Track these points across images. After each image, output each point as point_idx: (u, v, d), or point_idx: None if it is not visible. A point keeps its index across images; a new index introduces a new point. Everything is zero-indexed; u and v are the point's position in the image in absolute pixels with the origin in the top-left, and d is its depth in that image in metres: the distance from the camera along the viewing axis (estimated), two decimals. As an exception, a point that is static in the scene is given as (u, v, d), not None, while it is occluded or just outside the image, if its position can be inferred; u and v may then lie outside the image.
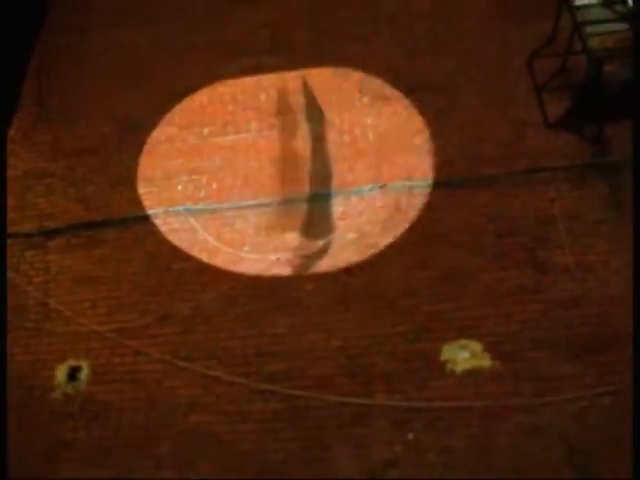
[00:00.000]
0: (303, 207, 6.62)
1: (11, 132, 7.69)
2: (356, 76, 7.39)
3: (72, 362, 6.20)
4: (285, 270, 6.30)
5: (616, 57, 6.55)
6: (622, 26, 7.10)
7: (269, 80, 7.54)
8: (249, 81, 7.58)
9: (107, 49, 8.21)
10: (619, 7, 7.39)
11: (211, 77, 7.66)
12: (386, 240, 6.31)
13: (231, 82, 7.60)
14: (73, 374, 6.14)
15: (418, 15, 7.78)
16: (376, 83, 7.31)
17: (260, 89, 7.51)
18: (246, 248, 6.48)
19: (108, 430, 5.87)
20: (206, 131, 7.29)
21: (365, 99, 7.23)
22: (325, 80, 7.45)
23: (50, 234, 6.90)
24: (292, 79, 7.50)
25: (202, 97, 7.58)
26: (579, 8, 7.06)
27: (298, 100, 7.37)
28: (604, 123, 6.56)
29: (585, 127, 6.67)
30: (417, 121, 6.98)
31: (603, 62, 6.38)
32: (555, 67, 7.04)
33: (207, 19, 8.26)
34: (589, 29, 6.64)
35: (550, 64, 7.07)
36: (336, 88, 7.37)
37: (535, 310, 5.80)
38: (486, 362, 5.65)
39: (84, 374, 6.13)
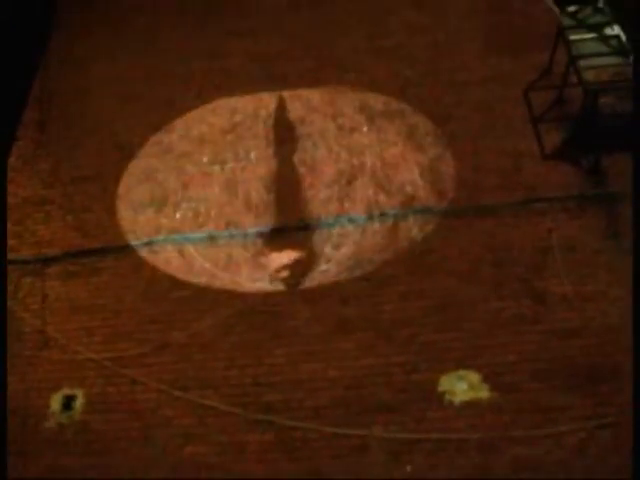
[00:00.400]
0: (300, 234, 6.62)
1: (11, 159, 7.74)
2: (355, 102, 7.49)
3: (67, 391, 6.15)
4: (281, 297, 6.29)
5: (611, 90, 6.65)
6: (617, 59, 7.23)
7: (268, 109, 7.63)
8: (248, 108, 7.68)
9: (107, 79, 8.32)
10: (613, 41, 7.53)
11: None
12: (383, 269, 6.31)
13: (230, 109, 7.70)
14: (68, 403, 6.08)
15: (416, 46, 7.92)
16: (375, 110, 7.40)
17: (259, 118, 7.59)
18: (244, 275, 6.46)
19: (102, 460, 5.79)
20: (205, 159, 7.35)
21: (364, 127, 7.30)
22: (323, 105, 7.54)
23: (48, 261, 6.89)
24: (290, 108, 7.59)
25: (201, 125, 7.66)
26: (574, 41, 7.20)
27: (295, 127, 7.43)
28: (601, 154, 6.62)
29: (582, 158, 6.72)
30: (415, 150, 7.04)
31: (598, 94, 6.47)
32: (551, 99, 7.14)
33: (204, 49, 8.41)
34: (584, 62, 6.74)
35: (546, 96, 7.19)
36: (334, 114, 7.46)
37: (533, 340, 5.77)
38: (484, 393, 5.61)
39: (79, 403, 6.07)
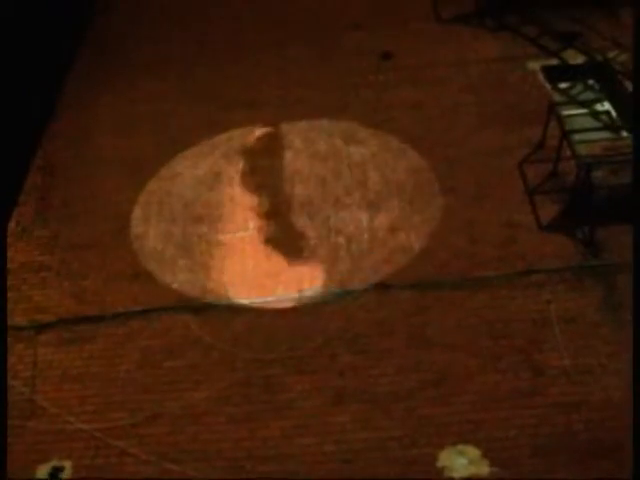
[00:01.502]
0: (298, 306, 6.60)
1: (11, 225, 7.78)
2: (353, 183, 7.64)
3: (55, 462, 5.96)
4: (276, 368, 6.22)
5: (604, 163, 6.78)
6: (608, 134, 7.43)
7: (269, 181, 7.80)
8: (249, 182, 7.83)
9: (111, 151, 8.50)
10: (604, 117, 7.77)
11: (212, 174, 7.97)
12: (379, 341, 6.26)
13: (231, 182, 7.86)
14: (55, 475, 5.89)
15: (412, 121, 8.16)
16: (371, 187, 7.53)
17: (258, 189, 7.74)
18: (241, 346, 6.41)
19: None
20: (205, 228, 7.42)
21: (362, 203, 7.41)
22: (322, 181, 7.69)
23: (41, 328, 6.82)
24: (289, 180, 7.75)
25: (202, 196, 7.78)
26: (566, 117, 7.41)
27: (294, 203, 7.55)
28: (595, 226, 6.68)
29: (577, 230, 6.80)
30: (412, 222, 7.12)
31: (591, 168, 6.59)
32: (546, 172, 7.28)
33: (205, 121, 8.64)
34: (577, 137, 6.91)
35: (541, 169, 7.34)
36: (330, 193, 7.58)
37: (533, 415, 5.68)
38: (485, 469, 5.47)
39: (67, 475, 5.88)
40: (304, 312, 6.55)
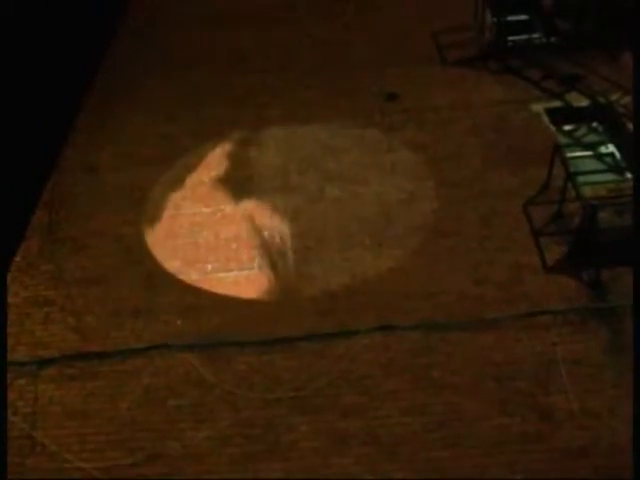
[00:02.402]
0: (302, 345, 6.55)
1: (16, 259, 7.79)
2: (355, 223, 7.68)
3: (52, 502, 5.86)
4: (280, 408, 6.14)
5: (609, 205, 6.81)
6: (613, 176, 7.47)
7: (273, 219, 7.86)
8: (255, 220, 7.88)
9: (117, 186, 8.57)
10: (608, 159, 7.82)
11: (217, 214, 8.03)
12: (384, 382, 6.19)
13: (235, 220, 7.93)
14: (51, 514, 5.78)
15: (417, 162, 8.23)
16: (376, 227, 7.57)
17: (264, 228, 7.79)
18: (244, 386, 6.34)
19: None
20: (209, 267, 7.43)
21: (367, 241, 7.43)
22: (325, 221, 7.74)
23: (43, 363, 6.77)
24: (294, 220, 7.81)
25: (207, 234, 7.82)
26: (571, 159, 7.47)
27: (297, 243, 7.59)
28: (601, 268, 6.67)
29: (583, 272, 6.78)
30: (416, 262, 7.13)
31: (597, 210, 6.61)
32: (551, 213, 7.31)
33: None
34: (581, 179, 6.95)
35: (546, 210, 7.36)
36: (336, 229, 7.62)
37: (540, 459, 5.58)
38: (492, 515, 5.35)
39: (64, 515, 5.78)
40: (308, 352, 6.49)
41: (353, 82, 9.72)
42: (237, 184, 8.40)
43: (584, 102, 8.75)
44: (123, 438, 6.15)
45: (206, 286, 7.24)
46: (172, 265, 7.51)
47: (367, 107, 9.20)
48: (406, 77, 9.63)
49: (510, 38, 9.90)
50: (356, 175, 8.23)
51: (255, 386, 6.31)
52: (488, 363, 6.18)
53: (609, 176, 7.50)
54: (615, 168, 7.73)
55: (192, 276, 7.36)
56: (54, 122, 9.28)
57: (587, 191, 6.81)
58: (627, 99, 8.59)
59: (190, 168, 8.71)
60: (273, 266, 7.32)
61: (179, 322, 6.92)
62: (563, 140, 8.25)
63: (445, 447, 5.72)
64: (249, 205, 8.09)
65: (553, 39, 9.84)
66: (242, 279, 7.26)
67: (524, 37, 10.00)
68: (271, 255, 7.43)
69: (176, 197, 8.33)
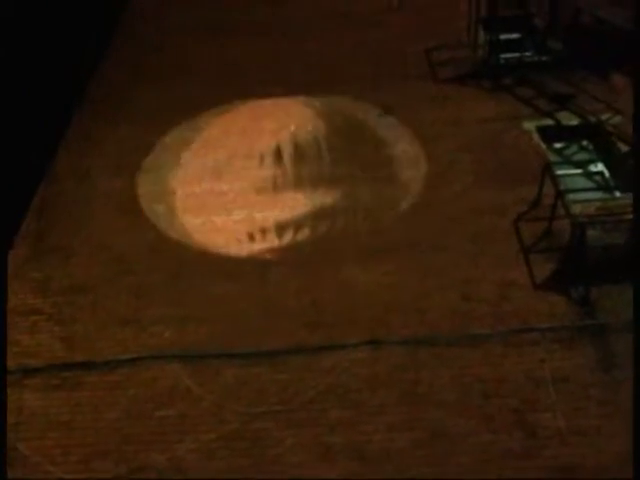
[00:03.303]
0: (289, 359, 6.52)
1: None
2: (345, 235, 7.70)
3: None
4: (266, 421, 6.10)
5: (598, 223, 6.84)
6: (602, 194, 7.53)
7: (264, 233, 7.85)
8: (240, 228, 7.90)
9: (107, 194, 8.58)
10: (597, 177, 7.89)
11: (208, 224, 8.02)
12: (371, 397, 6.15)
13: (227, 229, 7.93)
14: (32, 526, 5.70)
15: (408, 177, 8.28)
16: (365, 241, 7.57)
17: (254, 240, 7.80)
18: (230, 398, 6.30)
19: None
20: (199, 279, 7.39)
21: (354, 254, 7.42)
22: (316, 234, 7.74)
23: (29, 373, 6.70)
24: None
25: (195, 245, 7.81)
26: (561, 176, 7.52)
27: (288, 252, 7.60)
28: (590, 285, 6.69)
29: (572, 289, 6.80)
30: (406, 278, 7.12)
31: (586, 227, 6.64)
32: (540, 230, 7.33)
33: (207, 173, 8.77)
34: (571, 196, 6.99)
35: (536, 227, 7.39)
36: (326, 242, 7.63)
37: (527, 477, 5.54)
38: (476, 532, 5.32)
39: (44, 527, 5.70)
40: (295, 365, 6.46)
41: (347, 97, 9.79)
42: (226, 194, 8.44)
43: (575, 121, 8.82)
44: (107, 450, 6.08)
45: (194, 297, 7.21)
46: (158, 277, 7.46)
47: (360, 120, 9.27)
48: (399, 93, 9.71)
49: (502, 56, 10.00)
50: (347, 189, 8.26)
51: (242, 399, 6.27)
52: (475, 379, 6.16)
53: (598, 194, 7.57)
54: (604, 186, 7.81)
55: (180, 287, 7.31)
56: (45, 128, 9.26)
57: (576, 209, 6.85)
58: (617, 119, 8.67)
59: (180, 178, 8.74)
60: (261, 278, 7.31)
61: (167, 333, 6.89)
62: (553, 158, 8.32)
63: (431, 463, 5.67)
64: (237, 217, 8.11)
65: (545, 58, 9.95)
66: (231, 291, 7.21)
67: (516, 55, 10.11)
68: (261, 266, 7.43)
69: (166, 207, 8.32)
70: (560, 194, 6.97)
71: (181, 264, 7.58)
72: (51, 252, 7.90)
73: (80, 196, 8.60)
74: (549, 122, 8.86)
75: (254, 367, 6.48)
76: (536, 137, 8.62)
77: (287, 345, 6.61)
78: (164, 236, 7.96)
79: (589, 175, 7.99)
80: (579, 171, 8.07)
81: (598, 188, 7.77)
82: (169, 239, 7.93)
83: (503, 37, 10.14)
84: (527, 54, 10.15)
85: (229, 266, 7.51)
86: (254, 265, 7.50)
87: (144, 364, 6.60)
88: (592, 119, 8.75)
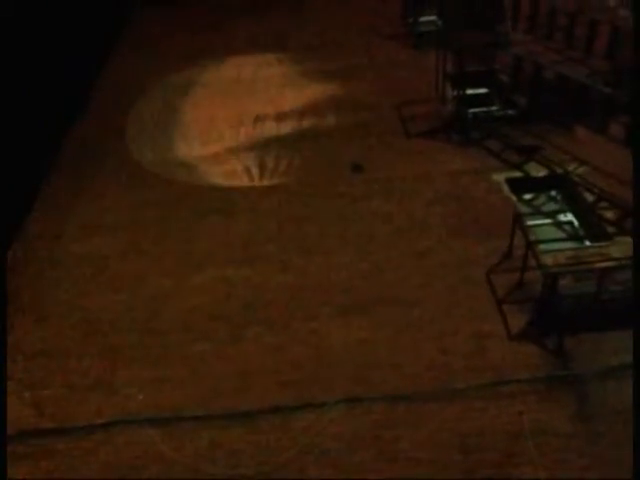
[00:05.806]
0: (265, 419, 6.40)
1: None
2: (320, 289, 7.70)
3: None
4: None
5: (569, 272, 6.92)
6: (572, 244, 7.63)
7: (239, 289, 7.82)
8: (219, 290, 7.85)
9: (81, 256, 8.52)
10: (567, 227, 8.02)
11: (181, 285, 7.97)
12: (349, 456, 6.05)
13: (201, 291, 7.88)
14: None
15: (382, 232, 8.37)
16: (339, 297, 7.58)
17: (229, 298, 7.74)
18: (205, 461, 6.15)
19: None
20: (173, 339, 7.31)
21: (328, 311, 7.42)
22: (290, 291, 7.71)
23: (-3, 441, 6.49)
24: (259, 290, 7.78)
25: (172, 305, 7.73)
26: (531, 227, 7.63)
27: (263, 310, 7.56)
28: (564, 335, 6.73)
29: (546, 339, 6.83)
30: (382, 334, 7.10)
31: (557, 277, 6.72)
32: (513, 281, 7.40)
33: (180, 229, 8.83)
34: (542, 247, 7.07)
35: (508, 278, 7.46)
36: (301, 299, 7.61)
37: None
38: None
39: None
40: (272, 426, 6.34)
41: (318, 153, 9.95)
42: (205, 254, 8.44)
43: (542, 172, 9.03)
44: (80, 520, 5.89)
45: (169, 359, 7.09)
46: (132, 338, 7.35)
47: (332, 177, 9.40)
48: (370, 149, 9.91)
49: (470, 110, 10.28)
50: (321, 245, 8.30)
51: (217, 461, 6.11)
52: (454, 434, 6.09)
53: (568, 244, 7.67)
54: (574, 236, 7.92)
55: (154, 349, 7.19)
56: (18, 188, 9.21)
57: (547, 259, 6.91)
58: (582, 169, 8.91)
59: (160, 236, 8.75)
60: (238, 339, 7.23)
61: (140, 396, 6.75)
62: (523, 209, 8.45)
63: (413, 523, 5.58)
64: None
65: (511, 112, 10.24)
66: (207, 352, 7.12)
67: (483, 110, 10.39)
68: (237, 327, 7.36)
69: (141, 269, 8.28)
70: (530, 245, 7.06)
71: (154, 323, 7.50)
72: (23, 314, 7.76)
73: (53, 258, 8.53)
74: (518, 174, 9.05)
75: (229, 429, 6.35)
76: (506, 189, 8.78)
77: (263, 405, 6.49)
78: (137, 295, 7.89)
79: (559, 225, 8.12)
80: (549, 221, 8.20)
81: (568, 238, 7.88)
82: (142, 298, 7.86)
83: (470, 92, 10.44)
84: (494, 108, 10.44)
85: (202, 324, 7.45)
86: (228, 324, 7.45)
87: (117, 429, 6.44)
88: (559, 170, 8.97)
